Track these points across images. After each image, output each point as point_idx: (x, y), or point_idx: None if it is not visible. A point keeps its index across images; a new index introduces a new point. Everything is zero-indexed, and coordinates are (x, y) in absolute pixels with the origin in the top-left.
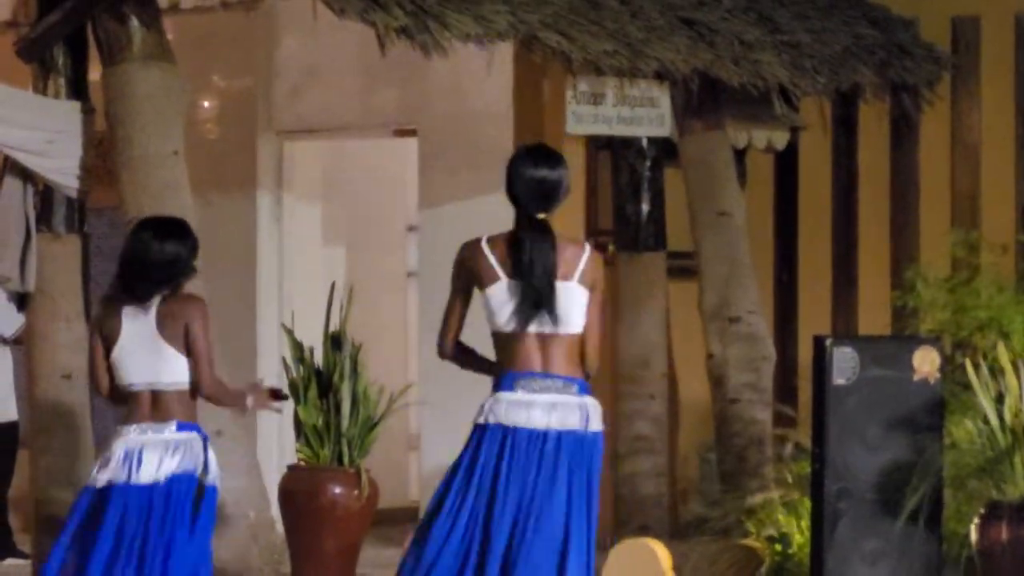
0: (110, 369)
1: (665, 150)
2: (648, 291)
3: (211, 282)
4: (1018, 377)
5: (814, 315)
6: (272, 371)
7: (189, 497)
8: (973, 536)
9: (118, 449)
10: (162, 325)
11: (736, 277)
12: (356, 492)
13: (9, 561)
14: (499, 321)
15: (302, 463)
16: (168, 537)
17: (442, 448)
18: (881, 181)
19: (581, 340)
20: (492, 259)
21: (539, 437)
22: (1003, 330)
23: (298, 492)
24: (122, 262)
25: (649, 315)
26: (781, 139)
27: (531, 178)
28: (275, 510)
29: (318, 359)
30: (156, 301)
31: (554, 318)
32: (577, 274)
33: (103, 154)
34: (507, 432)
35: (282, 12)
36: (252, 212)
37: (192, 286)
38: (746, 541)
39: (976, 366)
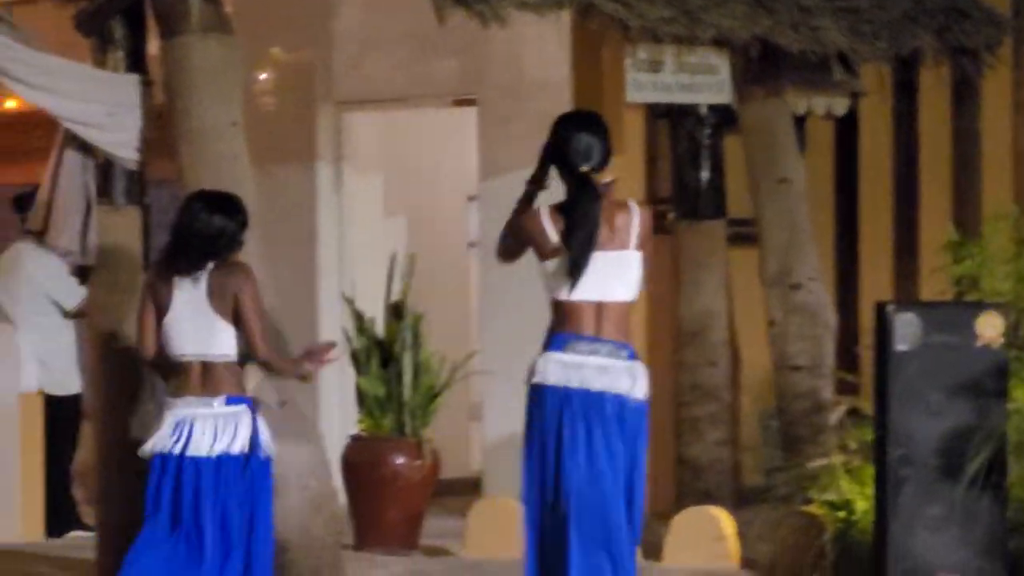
0: (159, 335)
1: (725, 117)
2: (708, 259)
3: (271, 254)
4: None
5: (875, 282)
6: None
7: (240, 469)
8: None
9: (169, 422)
10: (212, 296)
11: (796, 244)
12: (418, 462)
13: (73, 534)
14: (554, 288)
15: (364, 434)
16: (223, 509)
17: (505, 417)
18: (942, 146)
19: (631, 306)
20: (550, 229)
21: (590, 398)
22: None
23: (360, 462)
24: (172, 232)
25: (709, 283)
26: (841, 105)
27: (569, 134)
28: (337, 481)
29: (379, 330)
30: (205, 272)
31: (603, 288)
32: (632, 241)
33: (162, 126)
34: (559, 393)
35: None
36: (312, 183)
37: (252, 258)
38: (809, 508)
39: None
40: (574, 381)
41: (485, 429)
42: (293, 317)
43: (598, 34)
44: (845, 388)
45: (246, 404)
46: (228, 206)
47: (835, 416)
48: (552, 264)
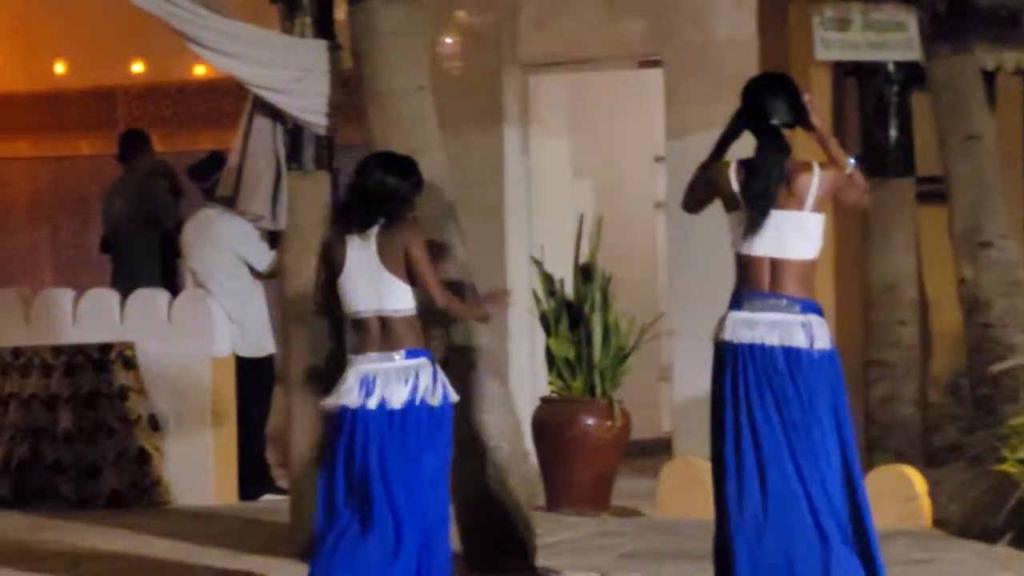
0: (333, 293)
1: (912, 74)
2: (897, 217)
3: (460, 216)
4: None
5: None
6: (523, 304)
7: (424, 421)
8: None
9: (351, 377)
10: (383, 253)
11: (986, 201)
12: (609, 423)
13: (267, 497)
14: (737, 242)
15: (554, 395)
16: (406, 462)
17: (694, 378)
18: None
19: (814, 265)
20: (734, 181)
21: (767, 353)
22: None
23: (551, 424)
24: (347, 190)
25: (899, 241)
26: None
27: (761, 88)
28: (528, 443)
29: (568, 291)
30: (375, 230)
31: (781, 246)
32: (809, 203)
33: (350, 91)
34: (738, 349)
35: None
36: (499, 146)
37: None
38: (1001, 467)
39: None
40: (748, 338)
41: (675, 390)
42: (482, 279)
43: None
44: None
45: (426, 356)
46: (403, 167)
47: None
48: (734, 216)
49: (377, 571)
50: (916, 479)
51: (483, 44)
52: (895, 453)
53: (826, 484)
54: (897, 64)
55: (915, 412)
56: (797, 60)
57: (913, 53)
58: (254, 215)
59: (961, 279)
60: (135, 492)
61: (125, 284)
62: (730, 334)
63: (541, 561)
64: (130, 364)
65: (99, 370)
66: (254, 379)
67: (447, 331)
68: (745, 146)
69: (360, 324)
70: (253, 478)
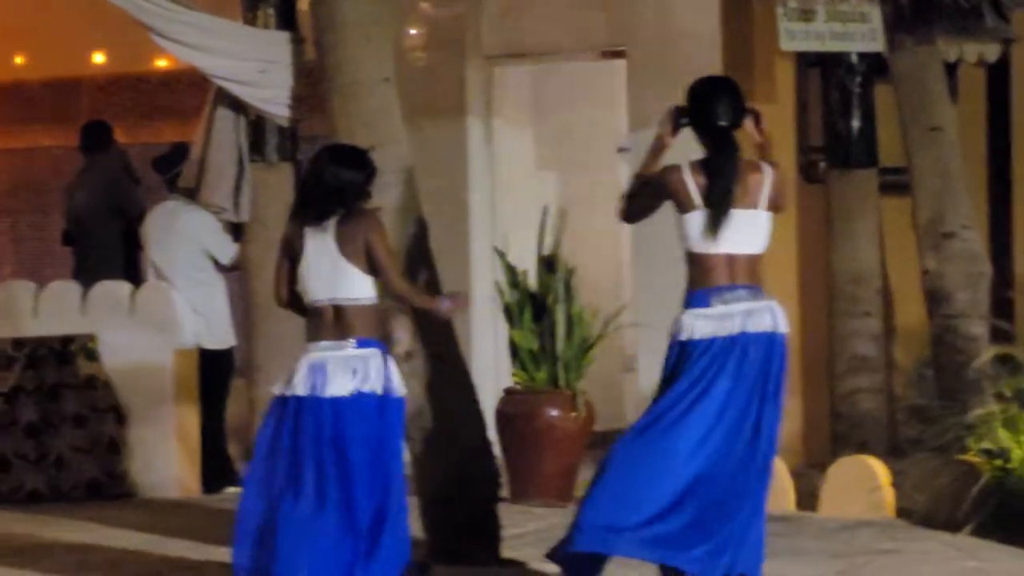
0: (292, 283)
1: (876, 65)
2: (860, 208)
3: (424, 207)
4: None
5: None
6: (486, 295)
7: (369, 411)
8: None
9: (303, 364)
10: (342, 243)
11: (950, 192)
12: (573, 414)
13: (230, 489)
14: (692, 242)
15: (518, 387)
16: (354, 451)
17: (658, 369)
18: None
19: (761, 258)
20: (691, 184)
21: (753, 340)
22: None
23: (515, 415)
24: (302, 183)
25: (863, 232)
26: (993, 52)
27: (709, 93)
28: (492, 434)
29: (532, 283)
30: (334, 221)
31: (737, 242)
32: (762, 201)
33: (313, 83)
34: (710, 345)
35: None
36: (463, 137)
37: (403, 212)
38: (965, 457)
39: None
40: (722, 331)
41: (639, 381)
42: (446, 271)
43: None
44: (1000, 336)
45: (377, 347)
46: (356, 159)
47: (1005, 365)
48: (691, 217)
49: (323, 557)
50: (880, 470)
51: (447, 36)
52: (859, 444)
53: (768, 457)
54: (860, 55)
55: (880, 403)
56: (760, 51)
57: (877, 44)
58: (217, 207)
59: (924, 270)
60: (111, 481)
61: (87, 276)
62: (700, 332)
63: (507, 552)
64: (93, 356)
65: (62, 362)
66: (216, 372)
67: (412, 322)
68: (676, 154)
69: (316, 312)
70: (216, 470)
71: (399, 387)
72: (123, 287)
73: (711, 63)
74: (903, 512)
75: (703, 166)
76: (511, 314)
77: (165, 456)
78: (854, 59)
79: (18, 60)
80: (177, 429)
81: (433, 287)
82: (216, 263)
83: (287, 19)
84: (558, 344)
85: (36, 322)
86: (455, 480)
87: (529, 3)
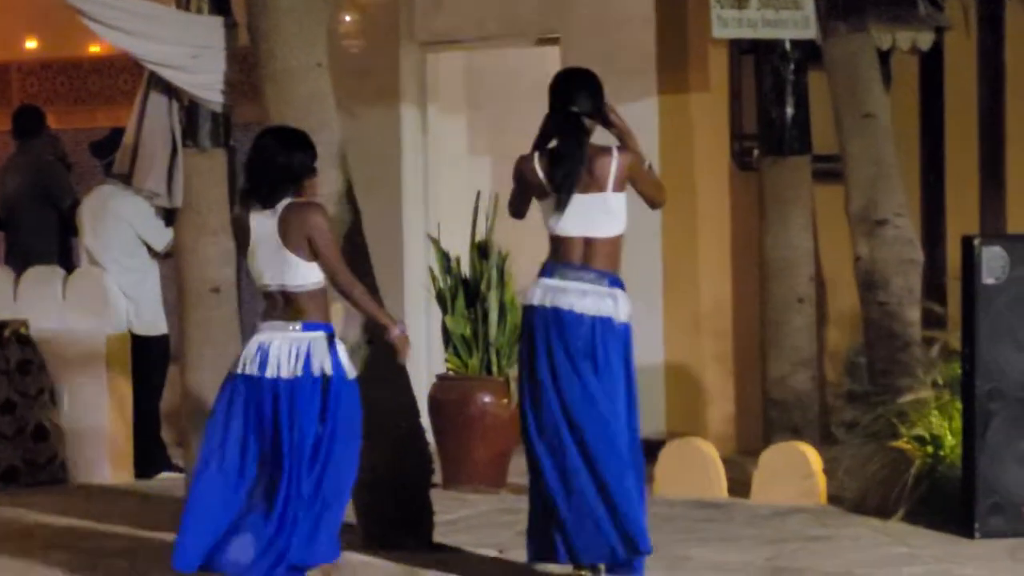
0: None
1: (809, 53)
2: (794, 195)
3: (357, 194)
4: None
5: (962, 216)
6: (419, 281)
7: (316, 393)
8: None
9: (252, 344)
10: (284, 233)
11: (882, 179)
12: (505, 401)
13: (163, 475)
14: (549, 224)
15: (451, 373)
16: (288, 432)
17: None
18: None
19: (620, 240)
20: (539, 170)
21: (571, 318)
22: None
23: (447, 401)
24: (245, 169)
25: (796, 219)
26: (926, 40)
27: (559, 80)
28: (425, 420)
29: (465, 269)
30: (280, 207)
31: (590, 227)
32: (610, 184)
33: (247, 69)
34: (544, 312)
35: None
36: (396, 123)
37: (336, 198)
38: (897, 443)
39: None
40: (556, 302)
41: None
42: (379, 257)
43: None
44: (933, 323)
45: (324, 330)
46: (297, 141)
47: (936, 351)
48: (545, 203)
49: (254, 531)
50: (812, 456)
51: (380, 22)
52: (792, 430)
53: (615, 441)
54: (794, 42)
55: (812, 390)
56: (695, 38)
57: (809, 31)
58: (150, 192)
59: (857, 257)
60: (31, 469)
61: (19, 261)
62: (539, 299)
63: (439, 538)
64: (25, 341)
65: None
66: (148, 358)
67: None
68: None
69: (267, 296)
70: (148, 456)
71: (348, 370)
72: (55, 272)
73: (645, 50)
74: (835, 498)
75: (550, 153)
76: (444, 300)
77: (98, 441)
78: (787, 46)
79: None
80: (110, 414)
81: (367, 275)
82: (150, 249)
83: (220, 4)
84: (491, 330)
85: None
86: (387, 466)
87: None
